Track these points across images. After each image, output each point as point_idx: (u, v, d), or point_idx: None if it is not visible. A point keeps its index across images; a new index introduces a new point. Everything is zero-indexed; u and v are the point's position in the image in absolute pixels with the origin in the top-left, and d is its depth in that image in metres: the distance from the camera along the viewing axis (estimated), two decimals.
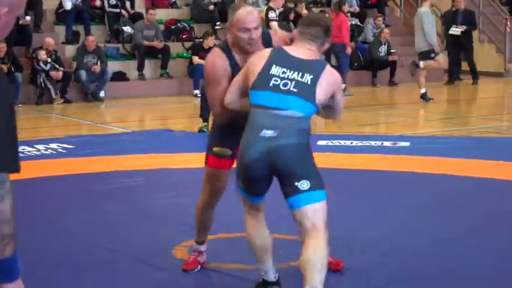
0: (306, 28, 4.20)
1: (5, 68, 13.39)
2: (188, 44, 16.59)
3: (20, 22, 15.04)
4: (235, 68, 4.27)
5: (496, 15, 18.80)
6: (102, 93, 14.97)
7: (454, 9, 17.06)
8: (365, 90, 16.10)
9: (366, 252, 5.08)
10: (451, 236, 5.54)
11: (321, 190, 3.99)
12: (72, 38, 16.01)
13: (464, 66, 17.35)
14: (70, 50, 15.81)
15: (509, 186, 7.23)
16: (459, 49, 17.03)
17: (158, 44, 15.98)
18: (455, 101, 13.97)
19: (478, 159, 8.36)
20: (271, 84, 4.06)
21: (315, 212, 3.96)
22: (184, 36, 16.90)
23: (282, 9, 13.94)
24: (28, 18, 15.28)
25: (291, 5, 17.34)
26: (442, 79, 16.97)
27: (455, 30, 16.75)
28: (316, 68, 4.13)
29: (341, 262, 4.71)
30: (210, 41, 15.04)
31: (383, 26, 17.74)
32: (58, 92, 14.47)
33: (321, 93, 4.09)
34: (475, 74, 16.97)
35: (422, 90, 13.93)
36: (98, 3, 16.51)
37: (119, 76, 15.71)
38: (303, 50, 4.17)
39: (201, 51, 15.10)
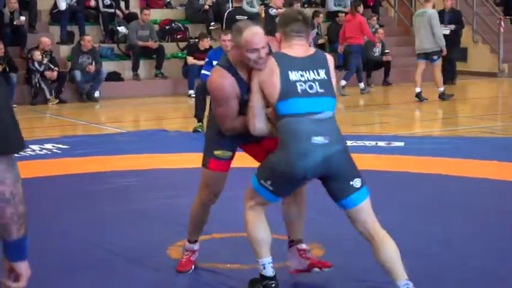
0: (286, 27, 4.21)
1: None
2: (183, 44, 16.60)
3: (15, 22, 15.05)
4: (241, 85, 4.30)
5: (490, 15, 18.85)
6: (96, 94, 14.97)
7: (440, 9, 17.03)
8: (359, 90, 16.09)
9: (363, 253, 5.08)
10: (448, 236, 5.56)
11: (365, 184, 4.17)
12: (66, 38, 16.00)
13: (459, 66, 17.35)
14: (65, 50, 15.80)
15: (505, 186, 7.25)
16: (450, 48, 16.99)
17: (153, 44, 15.97)
18: (450, 101, 13.97)
19: (472, 159, 8.39)
20: (299, 90, 4.06)
21: (369, 207, 4.13)
22: (178, 37, 16.91)
23: (282, 9, 13.96)
24: (23, 18, 15.28)
25: (286, 6, 17.33)
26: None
27: (444, 30, 16.73)
28: (320, 60, 4.18)
29: (328, 263, 4.70)
30: (205, 43, 15.06)
31: (377, 26, 17.74)
32: (53, 92, 14.45)
33: (333, 82, 4.17)
34: (453, 74, 16.80)
35: (418, 90, 13.93)
36: (92, 3, 16.51)
37: (114, 76, 15.71)
38: (297, 48, 4.18)
39: (197, 52, 15.11)
